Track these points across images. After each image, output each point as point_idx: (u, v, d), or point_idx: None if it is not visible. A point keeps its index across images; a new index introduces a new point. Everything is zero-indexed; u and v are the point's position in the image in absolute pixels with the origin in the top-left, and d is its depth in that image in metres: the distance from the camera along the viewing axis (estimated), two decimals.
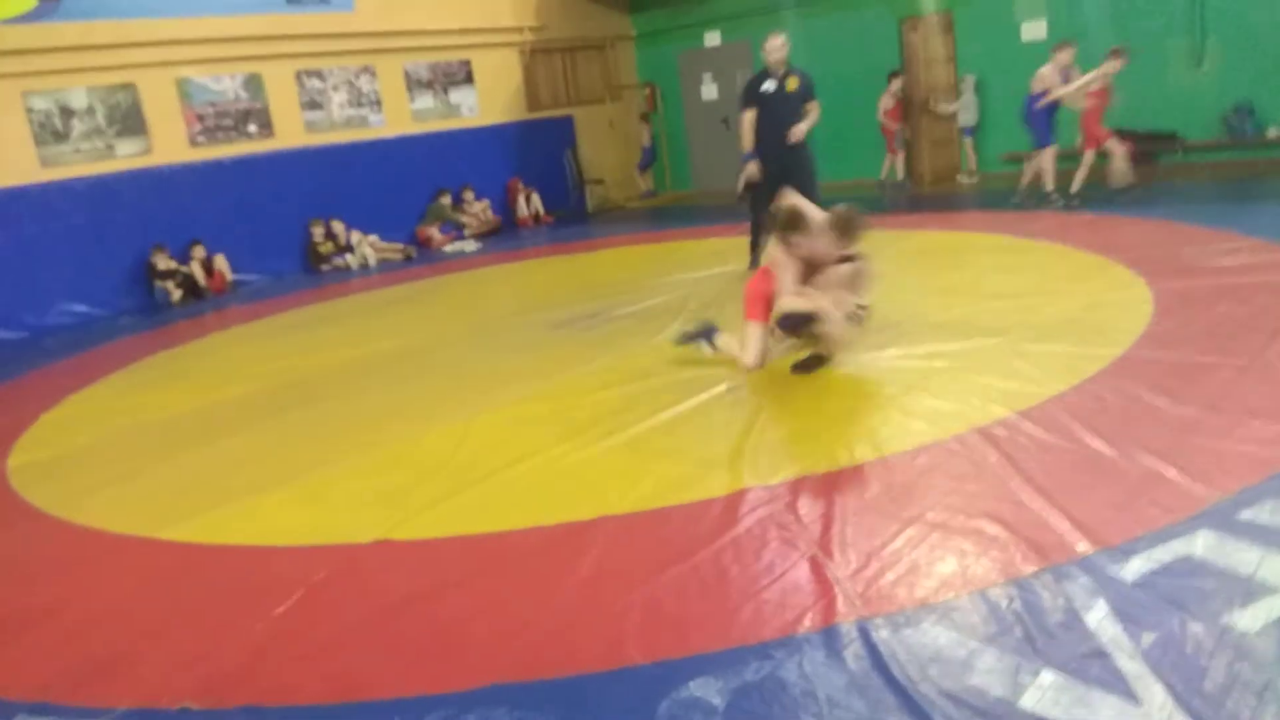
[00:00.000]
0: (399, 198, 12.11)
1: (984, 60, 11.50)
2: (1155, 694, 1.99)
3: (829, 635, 2.38)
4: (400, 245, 11.59)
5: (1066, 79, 8.61)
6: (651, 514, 3.29)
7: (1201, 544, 2.57)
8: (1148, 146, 9.95)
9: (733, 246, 9.16)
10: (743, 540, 2.97)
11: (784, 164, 6.81)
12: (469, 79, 13.10)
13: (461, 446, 4.29)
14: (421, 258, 11.38)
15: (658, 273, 8.06)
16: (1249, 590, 2.32)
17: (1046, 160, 8.78)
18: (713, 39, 14.13)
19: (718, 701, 2.18)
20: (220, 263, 10.42)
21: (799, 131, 6.94)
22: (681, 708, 2.17)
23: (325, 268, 11.13)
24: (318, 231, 11.23)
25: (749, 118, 7.05)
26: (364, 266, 11.17)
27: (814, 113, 7.07)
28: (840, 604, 2.52)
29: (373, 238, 11.49)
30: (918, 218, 9.34)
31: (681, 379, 4.85)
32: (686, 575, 2.80)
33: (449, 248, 11.76)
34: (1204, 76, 9.65)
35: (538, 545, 3.17)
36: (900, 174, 12.14)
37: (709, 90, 14.51)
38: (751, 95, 7.05)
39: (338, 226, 11.40)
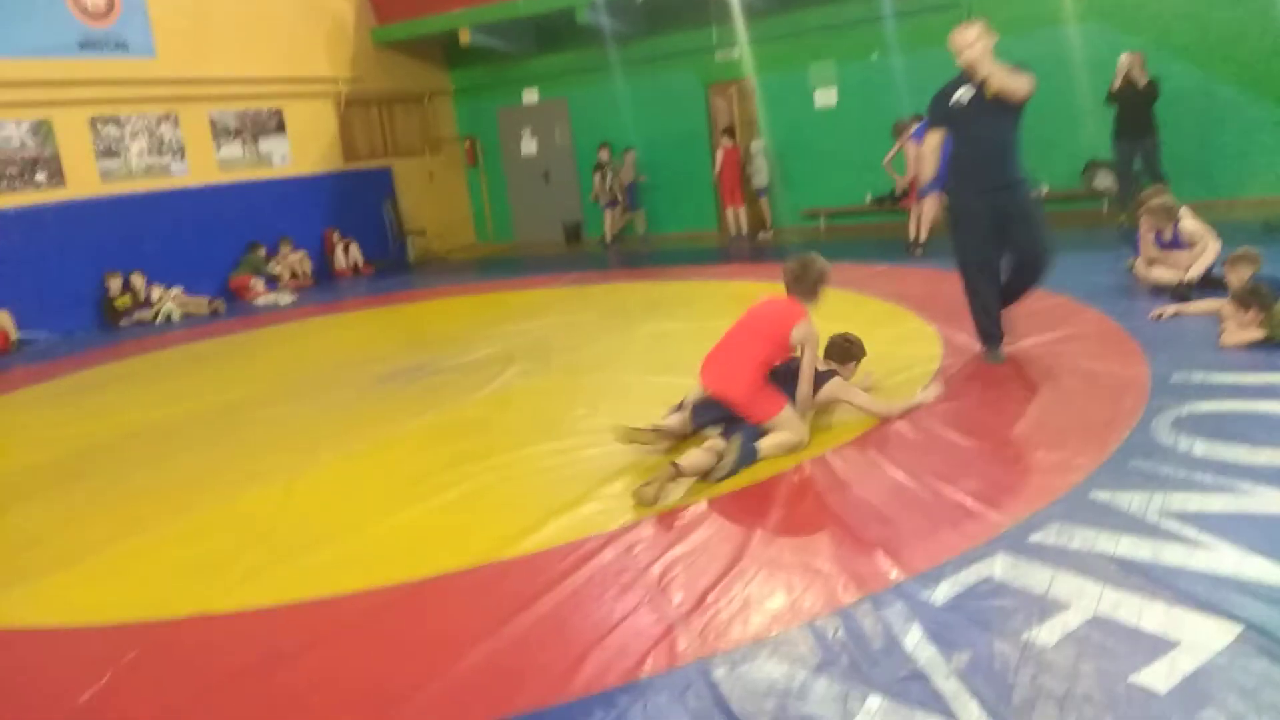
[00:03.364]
0: (207, 249, 11.54)
1: (782, 124, 12.24)
2: (971, 711, 2.16)
3: (670, 678, 2.44)
4: (207, 299, 11.00)
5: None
6: (487, 568, 3.26)
7: (999, 567, 2.81)
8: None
9: (556, 297, 9.29)
10: (582, 589, 3.00)
11: (996, 204, 4.80)
12: (281, 128, 12.70)
13: (283, 509, 4.11)
14: (232, 311, 10.84)
15: (483, 324, 8.03)
16: (1044, 608, 2.56)
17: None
18: (530, 96, 14.38)
19: None
20: (3, 319, 9.55)
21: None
22: None
23: (124, 323, 10.41)
24: (114, 285, 10.52)
25: (933, 143, 5.07)
26: (167, 321, 10.52)
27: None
28: (680, 645, 2.59)
29: (176, 290, 10.86)
30: (730, 268, 9.76)
31: (511, 430, 4.85)
32: (526, 628, 2.79)
33: (261, 300, 11.27)
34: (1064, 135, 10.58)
35: (371, 609, 3.08)
36: (740, 227, 12.33)
37: (528, 145, 14.71)
38: (938, 110, 4.98)
39: (137, 280, 10.71)
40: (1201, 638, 2.33)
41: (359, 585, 3.23)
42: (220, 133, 12.06)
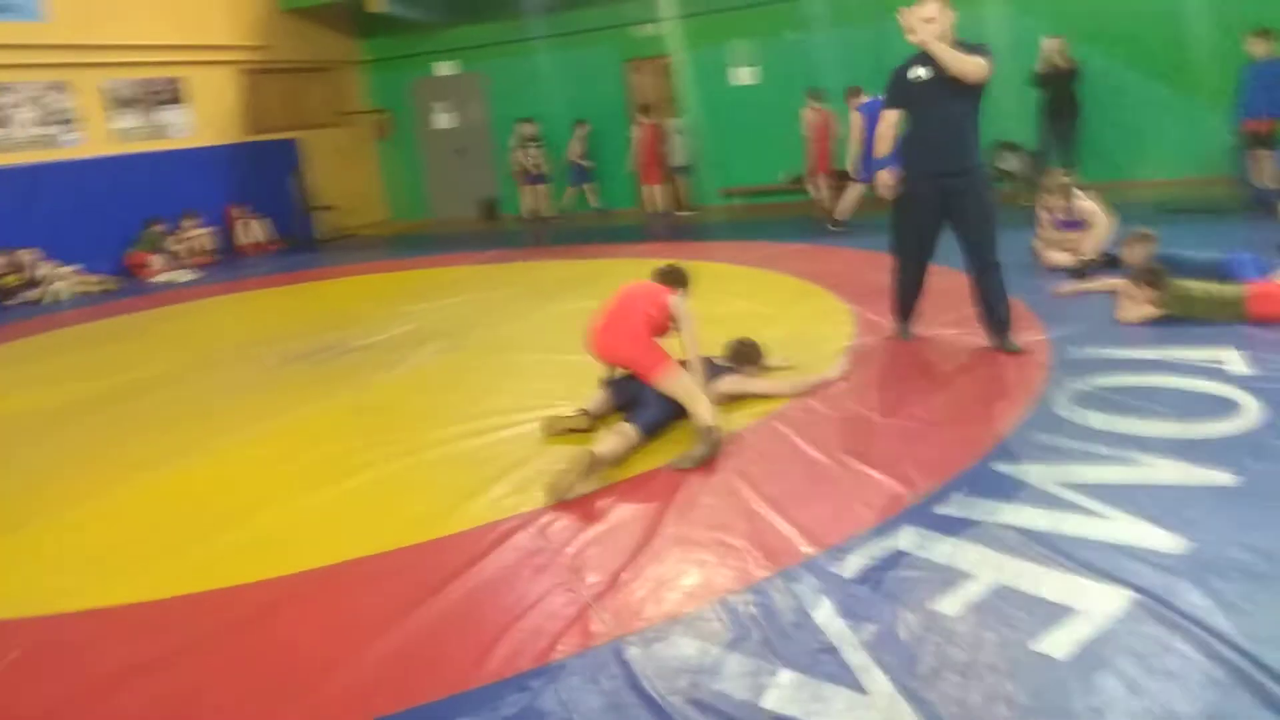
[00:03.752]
0: (102, 224, 11.00)
1: (700, 102, 12.24)
2: (879, 682, 2.19)
3: (584, 659, 2.42)
4: (100, 276, 10.50)
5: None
6: (398, 554, 3.18)
7: (906, 539, 2.86)
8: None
9: (471, 275, 9.14)
10: (494, 573, 2.95)
11: (945, 189, 4.63)
12: (181, 98, 12.17)
13: (183, 495, 3.95)
14: (130, 289, 10.38)
15: (395, 302, 7.85)
16: (948, 578, 2.61)
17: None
18: (445, 68, 14.07)
19: None
20: None
21: None
22: None
23: (9, 303, 9.88)
24: (0, 262, 9.96)
25: (890, 120, 4.83)
26: (56, 301, 10.01)
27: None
28: (594, 626, 2.56)
29: (70, 268, 10.34)
30: (647, 247, 9.72)
31: (423, 411, 4.75)
32: (438, 614, 2.74)
33: (159, 278, 10.81)
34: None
35: (274, 599, 2.97)
36: (658, 205, 12.23)
37: (442, 119, 14.40)
38: (895, 89, 4.77)
39: (25, 256, 10.16)
40: (1098, 605, 2.40)
41: (261, 574, 3.12)
42: (116, 102, 11.49)
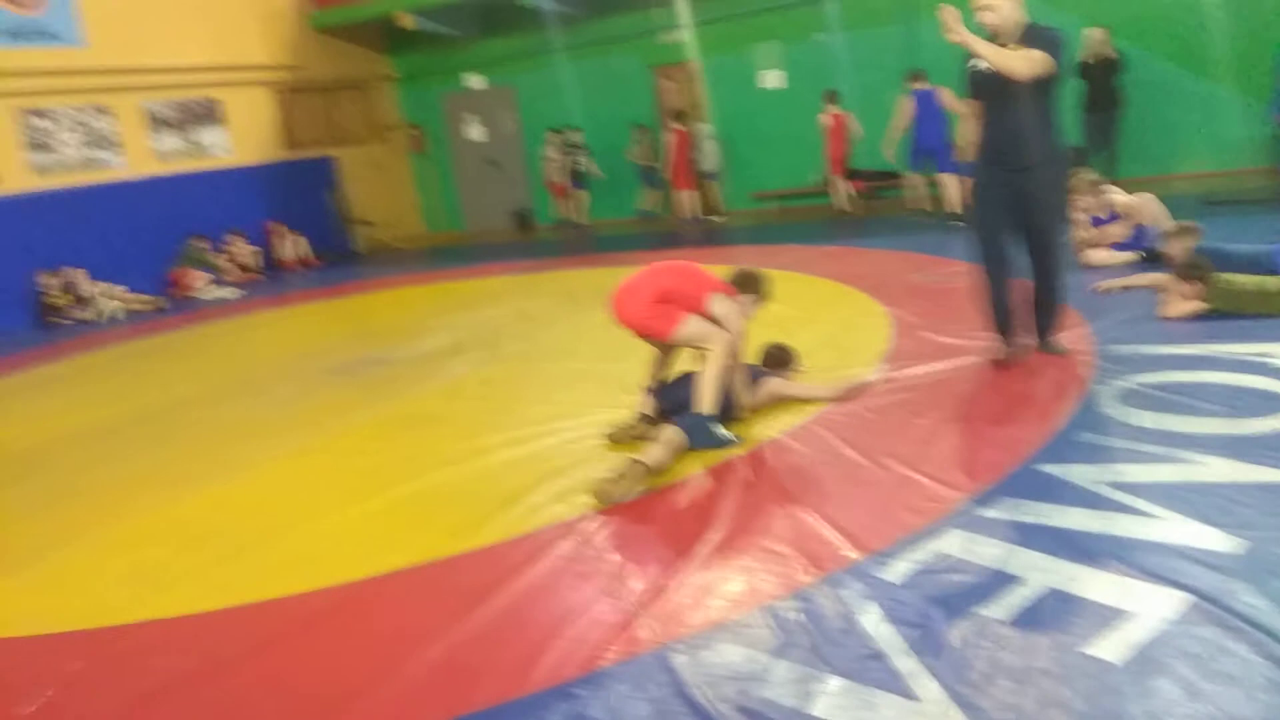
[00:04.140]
0: (147, 244, 11.25)
1: (728, 107, 12.23)
2: (930, 689, 2.16)
3: (630, 667, 2.41)
4: (149, 296, 10.71)
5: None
6: (441, 564, 3.20)
7: (954, 543, 2.83)
8: (875, 183, 11.03)
9: (507, 286, 9.21)
10: (539, 582, 2.96)
11: (1014, 186, 4.31)
12: (219, 118, 12.39)
13: (227, 510, 4.01)
14: (176, 307, 10.58)
15: (434, 314, 7.93)
16: (998, 583, 2.58)
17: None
18: (474, 82, 14.19)
19: None
20: None
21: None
22: None
23: (63, 322, 10.10)
24: (52, 283, 10.20)
25: (973, 111, 4.50)
26: (110, 319, 10.23)
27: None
28: (639, 634, 2.56)
29: (119, 289, 10.56)
30: (682, 253, 9.72)
31: (463, 422, 4.79)
32: (482, 623, 2.75)
33: (206, 295, 11.00)
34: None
35: (321, 610, 3.01)
36: (692, 211, 12.22)
37: (475, 131, 14.53)
38: (968, 79, 4.42)
39: (76, 276, 10.40)
40: (1153, 608, 2.36)
41: (307, 585, 3.15)
42: (156, 123, 11.74)
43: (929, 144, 9.64)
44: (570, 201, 12.96)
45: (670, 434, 3.83)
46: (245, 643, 2.85)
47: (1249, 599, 2.34)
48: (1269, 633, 2.19)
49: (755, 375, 4.32)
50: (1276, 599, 2.32)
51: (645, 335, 4.18)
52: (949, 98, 8.97)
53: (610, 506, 3.43)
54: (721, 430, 3.93)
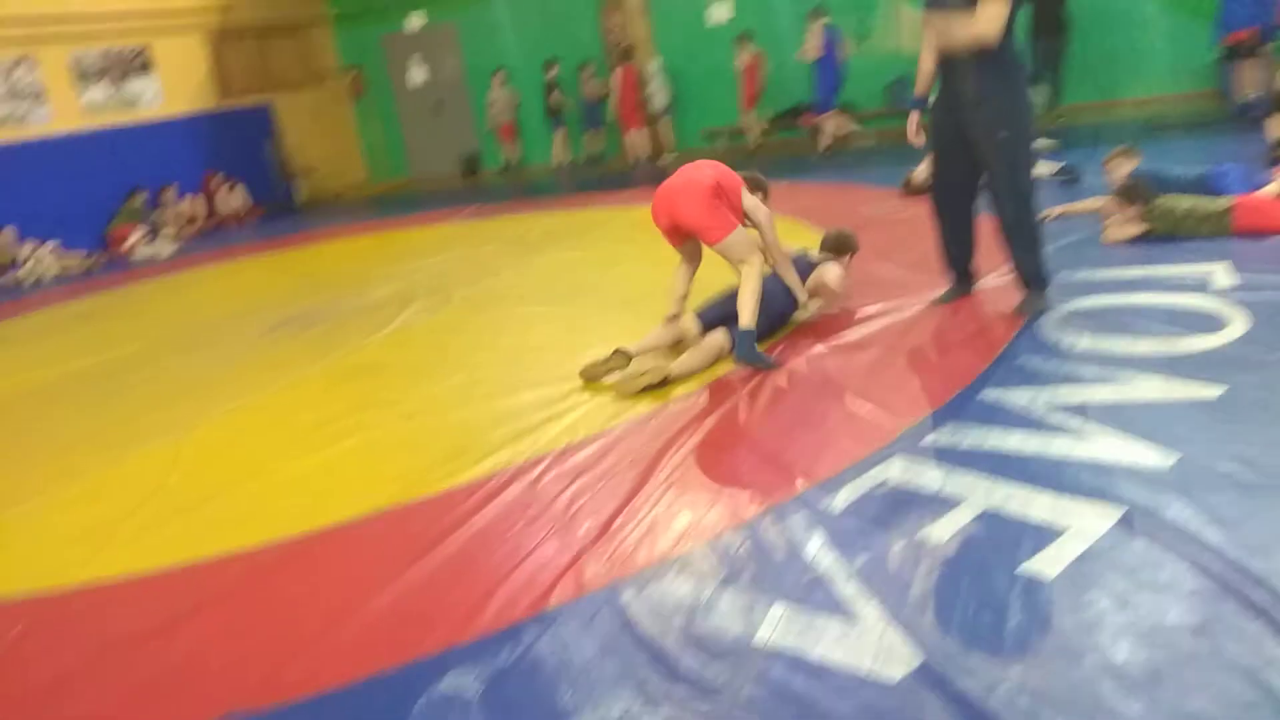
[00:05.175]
0: (80, 200, 10.90)
1: (675, 42, 12.03)
2: (869, 611, 2.20)
3: (577, 606, 2.43)
4: (83, 253, 10.40)
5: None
6: (390, 512, 3.19)
7: (895, 470, 2.87)
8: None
9: (454, 232, 9.07)
10: (488, 526, 2.96)
11: (958, 116, 4.01)
12: (149, 66, 11.95)
13: (174, 468, 3.94)
14: (112, 265, 10.30)
15: (379, 263, 7.80)
16: (937, 506, 2.62)
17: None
18: (415, 22, 13.79)
19: (473, 693, 2.16)
20: None
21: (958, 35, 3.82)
22: (436, 706, 2.14)
23: None
24: None
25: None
26: (38, 282, 9.93)
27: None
28: (587, 573, 2.58)
29: (51, 244, 10.24)
30: (631, 194, 9.63)
31: (411, 371, 4.74)
32: (432, 570, 2.75)
33: (140, 253, 10.70)
34: (869, 54, 10.63)
35: (271, 563, 2.99)
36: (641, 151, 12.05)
37: (417, 74, 14.16)
38: (924, 10, 4.03)
39: (5, 236, 10.06)
40: (1086, 523, 2.41)
41: (257, 540, 3.13)
42: (84, 74, 11.29)
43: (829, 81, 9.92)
44: (517, 145, 12.71)
45: (717, 338, 3.98)
46: (195, 599, 2.83)
47: (1180, 511, 2.40)
48: (1199, 543, 2.26)
49: (806, 267, 4.45)
50: (1205, 509, 2.39)
51: (692, 234, 4.08)
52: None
53: (627, 396, 3.75)
54: (762, 353, 3.98)
